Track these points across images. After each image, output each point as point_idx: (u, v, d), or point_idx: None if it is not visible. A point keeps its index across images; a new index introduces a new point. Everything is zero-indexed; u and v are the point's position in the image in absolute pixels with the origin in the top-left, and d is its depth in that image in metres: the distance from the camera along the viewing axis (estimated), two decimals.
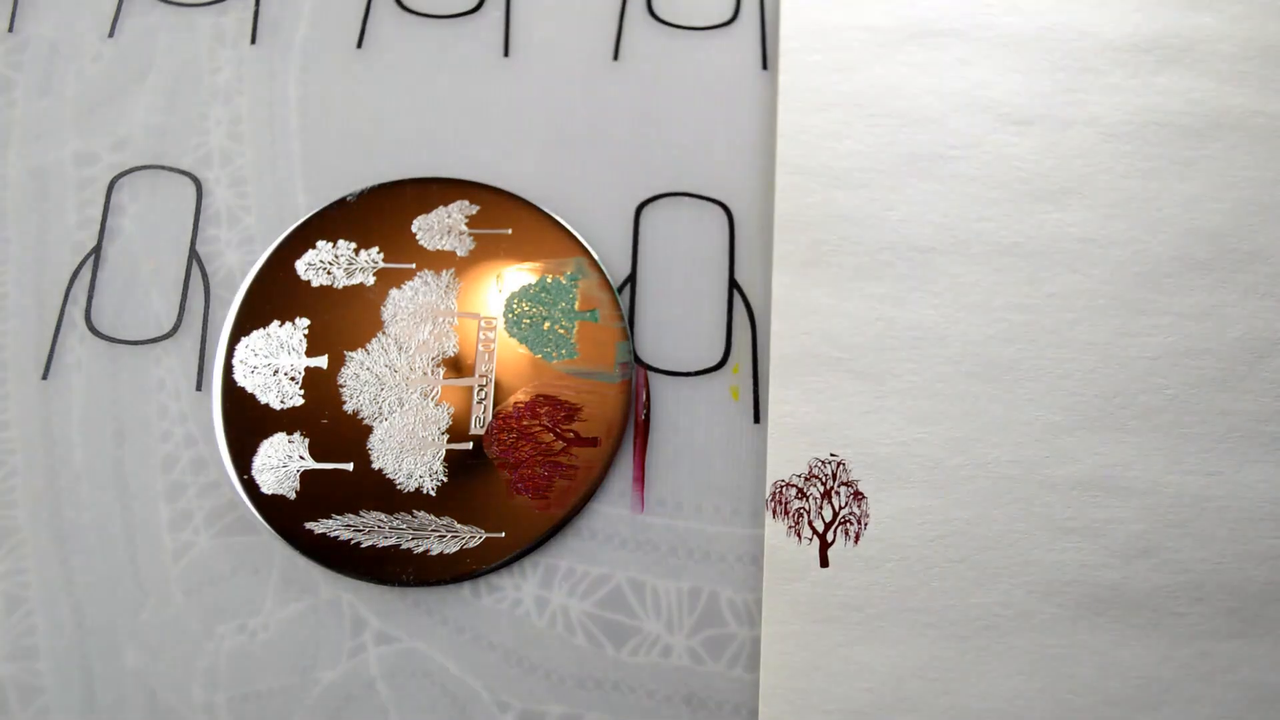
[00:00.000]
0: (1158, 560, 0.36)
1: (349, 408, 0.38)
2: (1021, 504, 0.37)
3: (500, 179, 0.41)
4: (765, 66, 0.43)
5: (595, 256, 0.40)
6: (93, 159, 0.41)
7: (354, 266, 0.39)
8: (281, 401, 0.38)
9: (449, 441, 0.37)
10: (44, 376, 0.39)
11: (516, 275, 0.39)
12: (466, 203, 0.40)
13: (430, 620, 0.36)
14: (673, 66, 0.43)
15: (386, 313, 0.39)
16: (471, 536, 0.36)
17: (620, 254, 0.40)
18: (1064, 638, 0.36)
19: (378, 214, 0.40)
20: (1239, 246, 0.40)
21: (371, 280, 0.39)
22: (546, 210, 0.40)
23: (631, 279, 0.40)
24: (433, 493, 0.37)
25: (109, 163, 0.41)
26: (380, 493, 0.37)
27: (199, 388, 0.38)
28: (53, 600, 0.36)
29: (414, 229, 0.40)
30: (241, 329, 0.39)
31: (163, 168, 0.41)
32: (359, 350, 0.38)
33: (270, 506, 0.36)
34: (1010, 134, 0.41)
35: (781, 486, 0.37)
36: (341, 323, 0.39)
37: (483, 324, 0.39)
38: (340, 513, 0.36)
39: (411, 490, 0.37)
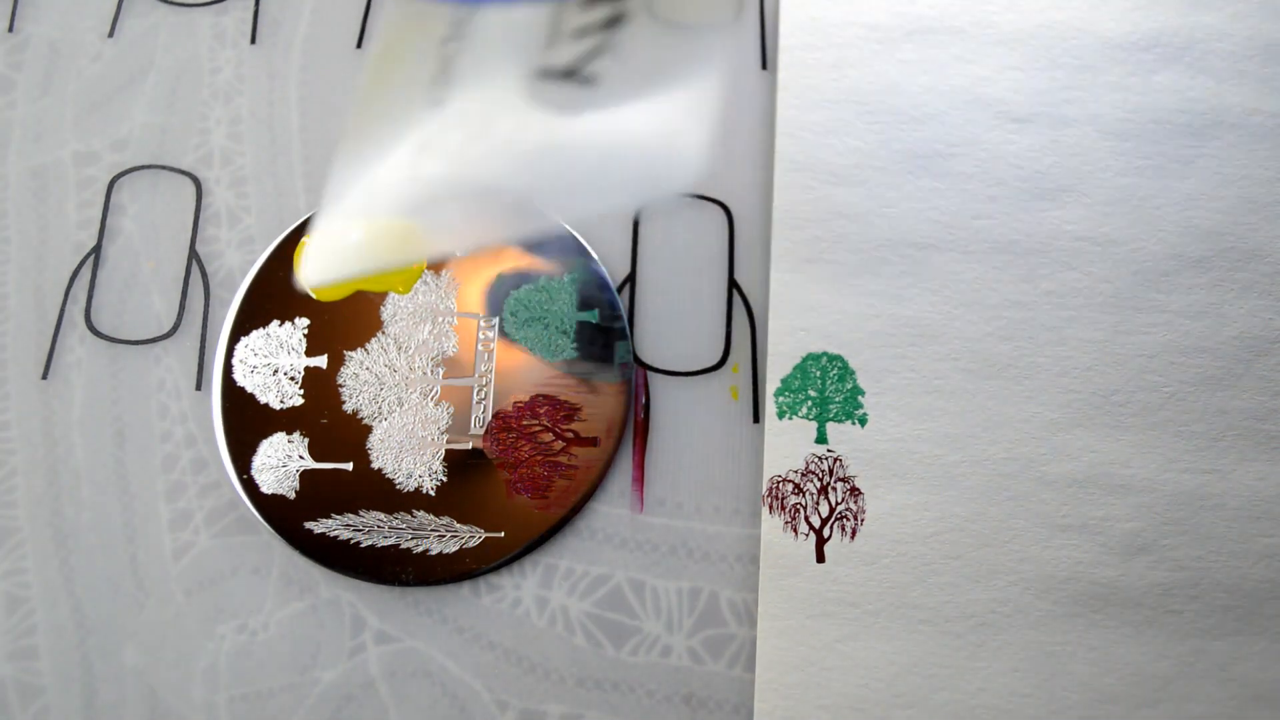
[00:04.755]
0: (1154, 557, 0.36)
1: (348, 407, 0.38)
2: (1018, 501, 0.37)
3: None
4: (765, 66, 0.43)
5: (594, 256, 0.40)
6: (93, 159, 0.41)
7: None
8: (281, 401, 0.38)
9: (448, 441, 0.37)
10: (44, 376, 0.39)
11: (516, 275, 0.39)
12: None
13: (430, 620, 0.36)
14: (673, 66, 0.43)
15: (386, 313, 0.39)
16: (471, 536, 0.36)
17: (619, 254, 0.40)
18: (1060, 634, 0.36)
19: None
20: (1237, 245, 0.40)
21: None
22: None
23: (631, 279, 0.40)
24: (432, 492, 0.37)
25: (109, 162, 0.41)
26: (380, 492, 0.37)
27: (199, 387, 0.39)
28: (53, 600, 0.36)
29: None
30: (241, 329, 0.39)
31: (163, 167, 0.41)
32: (358, 350, 0.38)
33: (270, 506, 0.37)
34: (1008, 131, 0.41)
35: (778, 482, 0.37)
36: (341, 323, 0.39)
37: (482, 324, 0.39)
38: (340, 512, 0.37)
39: (411, 490, 0.37)
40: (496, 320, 0.39)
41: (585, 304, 0.39)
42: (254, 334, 0.39)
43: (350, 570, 0.36)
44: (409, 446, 0.37)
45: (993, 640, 0.36)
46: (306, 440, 0.37)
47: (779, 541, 0.36)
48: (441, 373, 0.38)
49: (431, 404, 0.38)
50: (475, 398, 0.38)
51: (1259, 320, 0.39)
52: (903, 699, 0.35)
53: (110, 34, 0.43)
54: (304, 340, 0.38)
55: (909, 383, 0.38)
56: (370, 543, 0.36)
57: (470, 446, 0.37)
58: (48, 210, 0.41)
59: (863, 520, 0.37)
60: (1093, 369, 0.38)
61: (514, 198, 0.31)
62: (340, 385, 0.38)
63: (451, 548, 0.36)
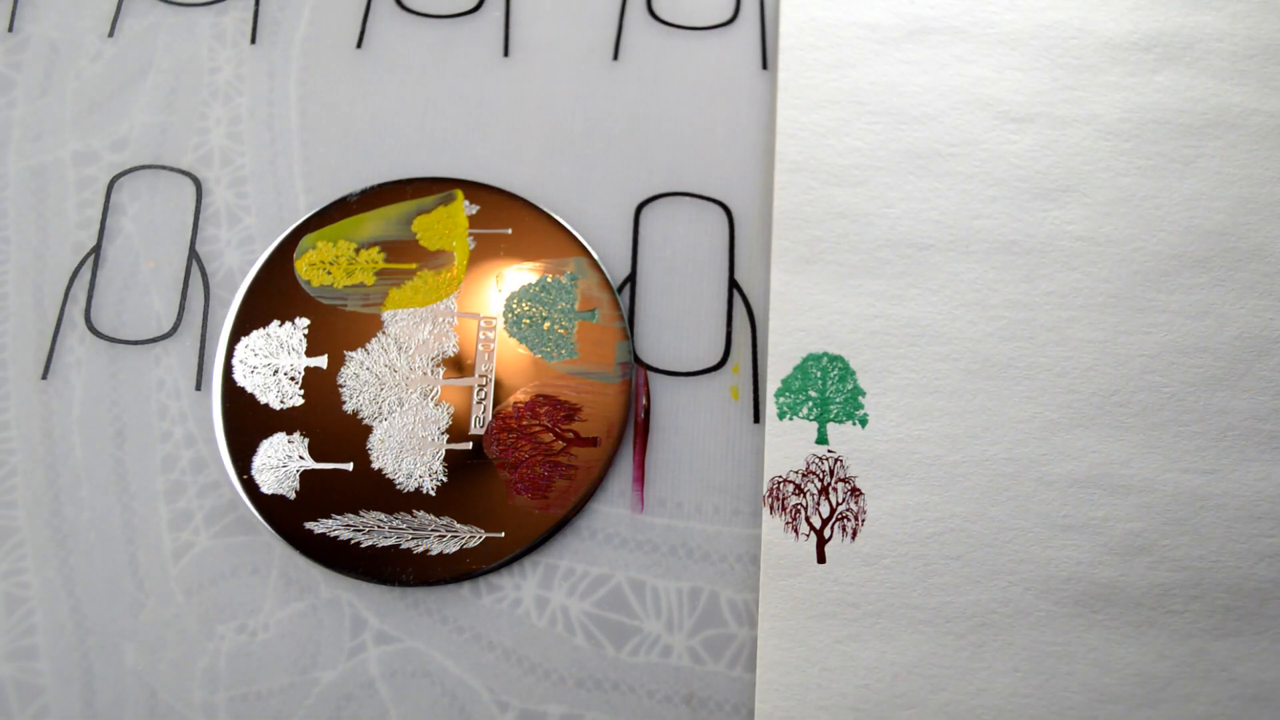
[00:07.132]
0: (1155, 558, 0.36)
1: (349, 407, 0.38)
2: (1019, 501, 0.37)
3: (500, 179, 0.41)
4: (765, 66, 0.43)
5: (595, 256, 0.40)
6: (92, 158, 0.41)
7: (354, 266, 0.39)
8: (281, 401, 0.38)
9: (449, 441, 0.37)
10: (44, 376, 0.39)
11: (516, 275, 0.39)
12: (466, 202, 0.40)
13: (430, 620, 0.36)
14: (673, 66, 0.43)
15: (386, 313, 0.39)
16: (471, 536, 0.36)
17: (620, 254, 0.40)
18: (1060, 635, 0.36)
19: (378, 213, 0.40)
20: (1237, 245, 0.40)
21: (371, 280, 0.39)
22: (546, 210, 0.40)
23: (631, 279, 0.40)
24: (432, 493, 0.37)
25: (109, 162, 0.41)
26: (380, 493, 0.37)
27: (199, 387, 0.39)
28: (53, 600, 0.36)
29: (414, 229, 0.40)
30: (241, 329, 0.39)
31: (163, 167, 0.41)
32: (359, 350, 0.38)
33: (270, 506, 0.37)
34: (1009, 131, 0.41)
35: (779, 482, 0.37)
36: (341, 322, 0.39)
37: (483, 324, 0.39)
38: (340, 513, 0.36)
39: (411, 490, 0.37)
40: (497, 320, 0.39)
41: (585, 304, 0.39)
42: (254, 334, 0.39)
43: (350, 570, 0.36)
44: (409, 447, 0.37)
45: (994, 641, 0.36)
46: (307, 440, 0.37)
47: (780, 542, 0.36)
48: (441, 373, 0.38)
49: (431, 404, 0.38)
50: (475, 398, 0.38)
51: (1260, 320, 0.39)
52: (904, 699, 0.35)
53: (110, 34, 0.43)
54: (304, 340, 0.38)
55: (909, 383, 0.38)
56: (370, 543, 0.36)
57: (470, 447, 0.37)
58: (48, 210, 0.41)
59: (863, 521, 0.37)
60: (1093, 369, 0.38)
61: None
62: (341, 385, 0.38)
63: (452, 548, 0.36)
